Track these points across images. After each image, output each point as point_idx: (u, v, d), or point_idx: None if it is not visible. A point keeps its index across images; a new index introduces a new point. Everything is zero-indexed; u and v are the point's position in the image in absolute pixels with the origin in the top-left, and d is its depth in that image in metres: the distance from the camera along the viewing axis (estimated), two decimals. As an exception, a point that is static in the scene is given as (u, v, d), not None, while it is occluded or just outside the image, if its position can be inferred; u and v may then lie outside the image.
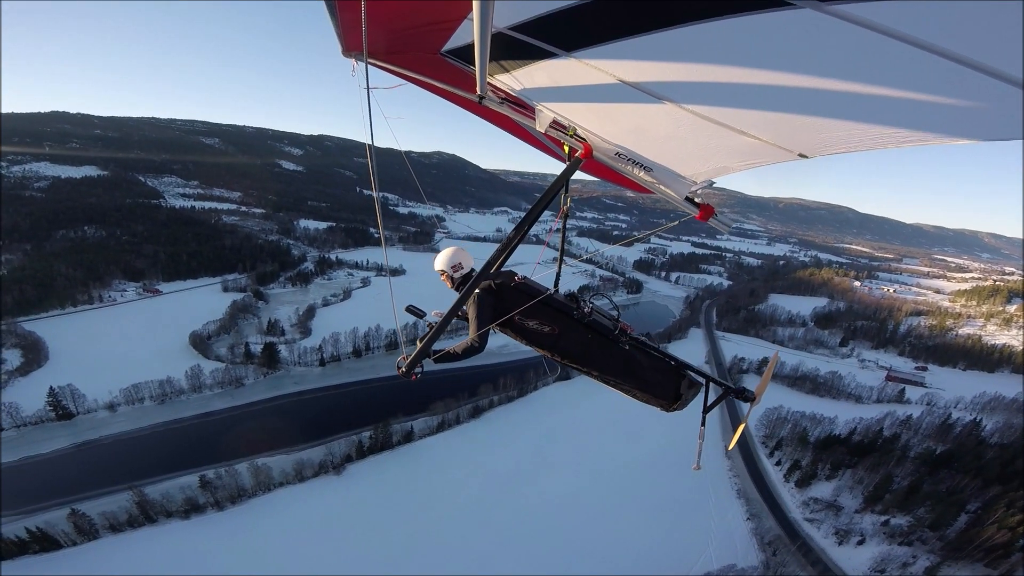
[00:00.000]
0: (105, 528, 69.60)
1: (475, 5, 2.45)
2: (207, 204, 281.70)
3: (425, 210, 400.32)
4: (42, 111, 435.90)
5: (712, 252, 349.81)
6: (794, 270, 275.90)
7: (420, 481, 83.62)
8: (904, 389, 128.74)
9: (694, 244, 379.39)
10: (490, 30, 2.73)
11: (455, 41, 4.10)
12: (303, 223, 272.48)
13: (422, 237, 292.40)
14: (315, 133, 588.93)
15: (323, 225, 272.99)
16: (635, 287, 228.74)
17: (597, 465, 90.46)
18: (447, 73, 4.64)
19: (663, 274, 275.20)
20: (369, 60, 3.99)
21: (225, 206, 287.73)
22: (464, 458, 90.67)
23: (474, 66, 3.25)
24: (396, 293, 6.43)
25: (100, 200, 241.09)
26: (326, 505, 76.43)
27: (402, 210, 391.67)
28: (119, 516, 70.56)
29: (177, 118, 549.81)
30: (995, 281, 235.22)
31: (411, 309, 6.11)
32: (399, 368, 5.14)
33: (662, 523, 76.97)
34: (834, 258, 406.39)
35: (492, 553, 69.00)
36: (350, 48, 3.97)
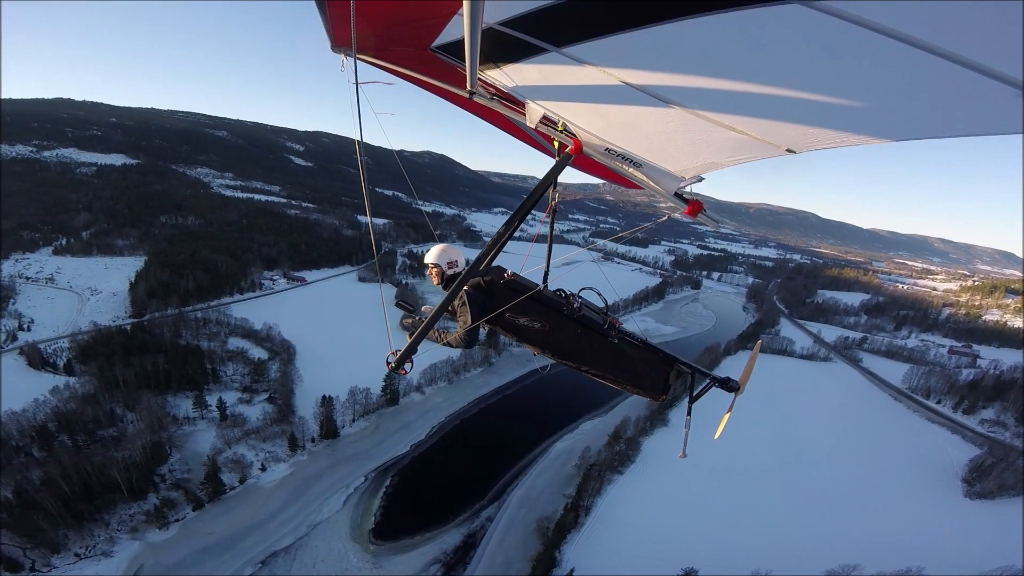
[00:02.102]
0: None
1: (465, 1, 2.44)
2: (256, 196, 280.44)
3: (449, 210, 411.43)
4: (46, 97, 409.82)
5: (720, 254, 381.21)
6: (815, 270, 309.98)
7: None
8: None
9: (699, 247, 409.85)
10: (480, 26, 2.77)
11: (445, 37, 4.13)
12: (361, 219, 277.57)
13: (471, 234, 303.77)
14: (311, 129, 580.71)
15: (381, 221, 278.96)
16: (695, 284, 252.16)
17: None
18: (437, 69, 4.67)
19: (704, 273, 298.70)
20: (358, 55, 4.04)
21: (275, 199, 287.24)
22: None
23: (464, 62, 3.32)
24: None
25: (165, 188, 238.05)
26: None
27: (427, 208, 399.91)
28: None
29: (177, 109, 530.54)
30: (993, 279, 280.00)
31: (401, 304, 6.18)
32: (388, 363, 5.27)
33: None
34: (818, 260, 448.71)
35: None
36: (339, 43, 4.04)
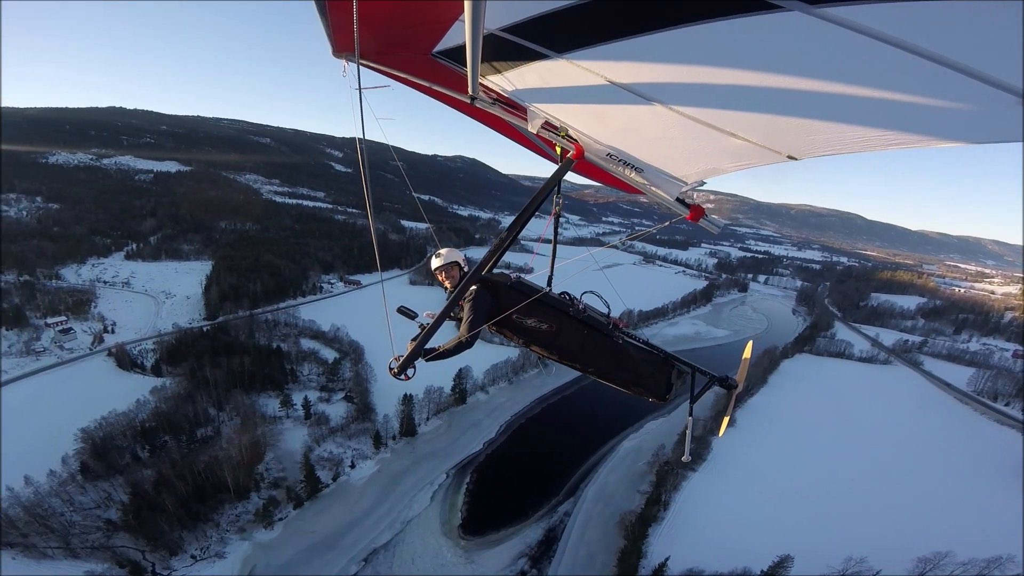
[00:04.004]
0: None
1: (467, 6, 2.45)
2: (303, 202, 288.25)
3: (484, 214, 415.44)
4: (100, 106, 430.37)
5: (764, 256, 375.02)
6: (866, 273, 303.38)
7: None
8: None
9: (740, 249, 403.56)
10: (482, 31, 2.81)
11: (447, 42, 4.18)
12: (406, 223, 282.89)
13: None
14: (348, 136, 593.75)
15: (423, 226, 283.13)
16: (742, 287, 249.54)
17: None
18: (439, 74, 4.74)
19: (749, 275, 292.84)
20: (360, 61, 4.01)
21: (322, 205, 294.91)
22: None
23: (466, 67, 3.33)
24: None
25: (220, 194, 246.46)
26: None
27: (463, 212, 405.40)
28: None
29: (222, 117, 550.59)
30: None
31: (403, 310, 6.12)
32: (391, 369, 5.33)
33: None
34: (866, 263, 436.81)
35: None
36: (340, 49, 4.08)
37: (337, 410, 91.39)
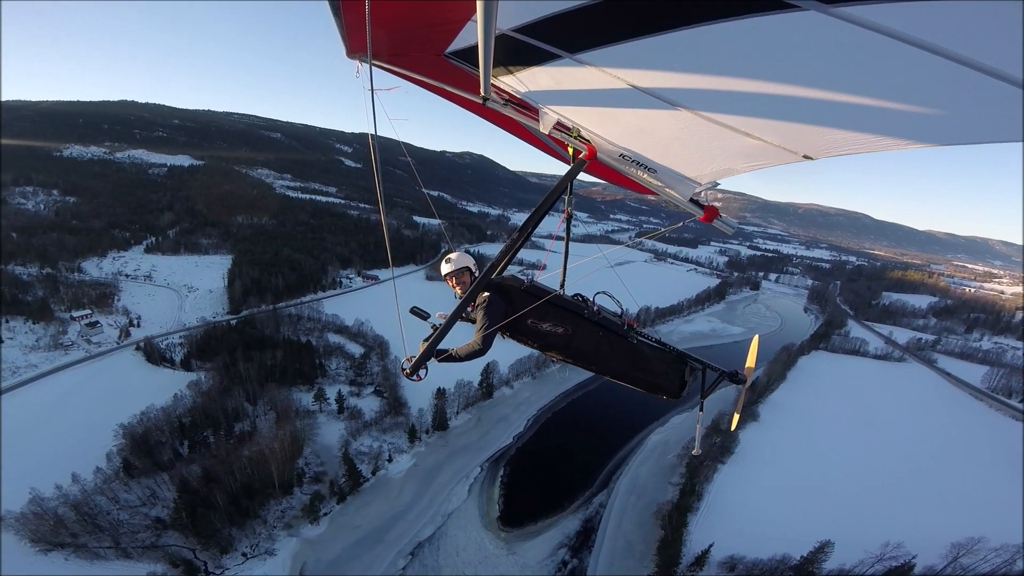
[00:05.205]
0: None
1: (479, 7, 2.45)
2: (316, 198, 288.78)
3: (493, 210, 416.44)
4: (111, 99, 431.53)
5: (773, 255, 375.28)
6: (877, 272, 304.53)
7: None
8: None
9: (749, 247, 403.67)
10: (494, 32, 2.80)
11: (459, 43, 4.17)
12: (418, 219, 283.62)
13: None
14: (357, 131, 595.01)
15: (436, 222, 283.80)
16: (754, 285, 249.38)
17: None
18: (451, 74, 4.72)
19: (760, 274, 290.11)
20: (373, 62, 4.01)
21: (334, 200, 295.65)
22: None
23: (478, 68, 3.33)
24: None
25: (233, 189, 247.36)
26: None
27: (472, 208, 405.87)
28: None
29: (233, 111, 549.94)
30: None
31: (415, 311, 6.03)
32: (403, 370, 5.34)
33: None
34: (875, 263, 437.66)
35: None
36: (354, 49, 4.06)
37: (368, 404, 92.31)
